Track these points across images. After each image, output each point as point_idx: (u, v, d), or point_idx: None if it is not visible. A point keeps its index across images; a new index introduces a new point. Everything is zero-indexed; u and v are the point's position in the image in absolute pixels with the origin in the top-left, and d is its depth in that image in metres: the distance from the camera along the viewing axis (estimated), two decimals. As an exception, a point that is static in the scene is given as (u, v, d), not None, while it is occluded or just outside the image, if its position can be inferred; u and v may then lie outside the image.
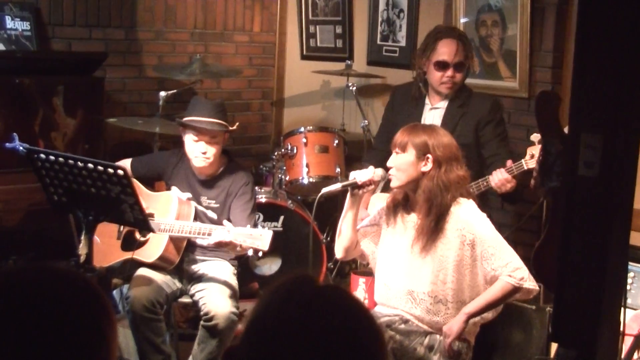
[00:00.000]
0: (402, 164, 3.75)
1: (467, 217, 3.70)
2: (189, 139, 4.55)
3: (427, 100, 4.80)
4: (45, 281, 1.64)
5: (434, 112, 4.77)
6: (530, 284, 3.70)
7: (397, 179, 3.79)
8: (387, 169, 4.69)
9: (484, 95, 4.90)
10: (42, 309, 1.58)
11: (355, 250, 4.02)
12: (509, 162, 4.30)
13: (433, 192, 3.69)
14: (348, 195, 3.91)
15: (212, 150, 4.52)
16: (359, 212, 3.99)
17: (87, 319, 1.62)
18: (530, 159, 4.23)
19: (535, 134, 4.29)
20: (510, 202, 4.64)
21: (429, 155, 3.71)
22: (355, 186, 3.86)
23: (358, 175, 3.86)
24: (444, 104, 4.74)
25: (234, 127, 4.64)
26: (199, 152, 4.51)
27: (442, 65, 4.65)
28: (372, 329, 1.65)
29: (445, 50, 4.64)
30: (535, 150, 4.24)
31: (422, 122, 4.73)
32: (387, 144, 4.93)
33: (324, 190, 3.99)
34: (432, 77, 4.71)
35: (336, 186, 3.98)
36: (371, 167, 3.93)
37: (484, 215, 3.76)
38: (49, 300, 1.60)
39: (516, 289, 3.67)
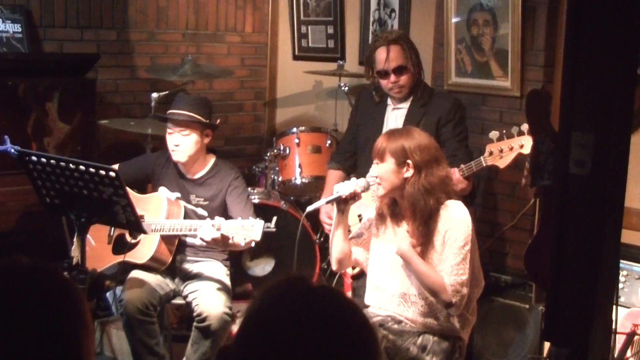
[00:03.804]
0: (384, 173, 3.72)
1: (453, 219, 3.67)
2: (166, 132, 4.60)
3: (389, 101, 4.85)
4: (10, 277, 1.64)
5: (396, 112, 4.82)
6: (453, 311, 3.67)
7: (382, 188, 3.76)
8: (350, 169, 4.71)
9: (445, 95, 4.97)
10: (6, 306, 1.58)
11: (350, 260, 4.01)
12: (462, 166, 4.32)
13: (415, 197, 3.66)
14: (335, 210, 3.90)
15: (185, 143, 4.55)
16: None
17: (56, 318, 1.61)
18: (489, 156, 4.25)
19: (493, 132, 4.31)
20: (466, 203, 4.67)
21: (409, 161, 3.69)
22: (340, 200, 3.85)
23: (341, 189, 3.82)
24: (406, 105, 4.79)
25: (207, 121, 4.63)
26: (173, 145, 4.55)
27: (382, 74, 4.73)
28: (366, 328, 1.65)
29: (380, 59, 4.72)
30: (493, 148, 4.26)
31: (385, 122, 4.82)
32: (352, 144, 5.01)
33: (309, 208, 3.95)
34: (381, 84, 4.80)
35: (320, 203, 3.97)
36: (353, 179, 3.91)
37: (469, 219, 3.72)
38: (12, 294, 1.60)
39: (444, 296, 3.61)
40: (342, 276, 4.92)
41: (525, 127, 4.21)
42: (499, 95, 5.47)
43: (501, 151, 4.23)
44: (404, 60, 4.70)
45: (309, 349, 1.55)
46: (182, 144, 4.55)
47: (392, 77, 4.69)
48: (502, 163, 4.26)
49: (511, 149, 4.22)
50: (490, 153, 4.26)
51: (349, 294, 4.71)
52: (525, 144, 4.19)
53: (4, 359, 1.54)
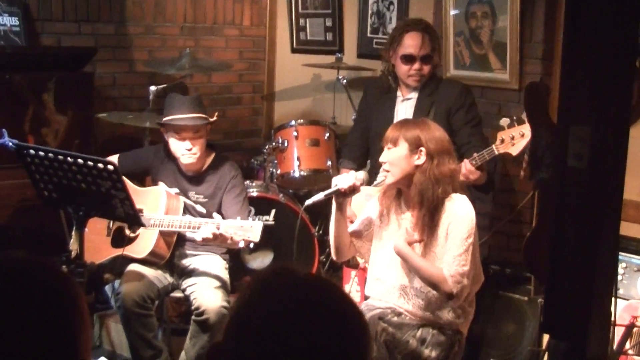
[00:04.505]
0: (395, 158, 3.72)
1: (456, 213, 3.66)
2: (173, 139, 4.54)
3: (398, 93, 4.84)
4: (6, 272, 1.63)
5: (405, 104, 4.80)
6: (453, 302, 3.67)
7: (392, 175, 3.74)
8: (362, 164, 4.69)
9: (453, 82, 4.94)
10: (2, 301, 1.57)
11: (350, 250, 4.01)
12: (474, 154, 4.29)
13: (424, 185, 3.65)
14: (334, 202, 3.89)
15: (197, 145, 4.52)
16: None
17: (53, 312, 1.60)
18: (501, 144, 4.24)
19: (504, 119, 4.29)
20: (482, 192, 4.65)
21: (422, 148, 3.68)
22: (339, 193, 3.84)
23: (340, 182, 3.80)
24: (414, 95, 4.78)
25: (214, 118, 4.63)
26: (185, 150, 4.50)
27: (408, 59, 4.69)
28: (355, 316, 1.64)
29: (411, 43, 4.67)
30: (505, 135, 4.24)
31: (395, 114, 4.80)
32: (361, 138, 4.98)
33: (307, 202, 3.91)
34: (399, 70, 4.75)
35: (319, 196, 3.89)
36: (352, 172, 3.91)
37: (473, 214, 3.71)
38: (8, 288, 1.59)
39: (445, 287, 3.60)
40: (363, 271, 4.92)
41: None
42: (497, 88, 5.47)
43: (512, 138, 4.22)
44: (432, 50, 4.69)
45: (297, 338, 1.54)
46: (194, 146, 4.52)
47: (417, 64, 4.66)
48: (514, 150, 4.25)
49: (522, 135, 4.20)
50: (502, 140, 4.24)
51: (355, 286, 4.72)
52: None
53: (1, 352, 1.54)
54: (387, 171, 3.76)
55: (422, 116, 4.50)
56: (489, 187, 4.67)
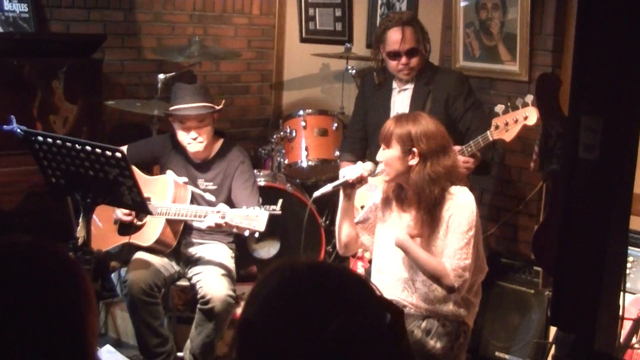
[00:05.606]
0: (389, 159, 3.70)
1: (456, 206, 3.64)
2: (179, 128, 4.56)
3: (394, 84, 4.85)
4: (12, 256, 1.62)
5: (402, 94, 4.84)
6: (455, 295, 3.66)
7: (387, 174, 3.75)
8: (362, 156, 4.69)
9: (448, 71, 5.01)
10: (10, 286, 1.56)
11: (356, 244, 4.01)
12: (470, 142, 4.33)
13: (420, 185, 3.63)
14: (341, 194, 3.89)
15: (204, 134, 4.54)
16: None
17: (60, 296, 1.59)
18: (495, 130, 4.25)
19: (499, 105, 4.30)
20: (479, 175, 4.69)
21: (414, 149, 3.66)
22: (347, 185, 3.84)
23: (348, 174, 3.82)
24: (411, 85, 4.82)
25: (220, 106, 4.64)
26: (191, 139, 4.52)
27: (394, 55, 4.73)
28: (371, 297, 1.64)
29: (393, 40, 4.71)
30: (499, 122, 4.26)
31: (392, 105, 4.84)
32: (360, 131, 5.01)
33: (315, 194, 3.93)
34: (389, 65, 4.81)
35: (327, 188, 3.91)
36: (359, 163, 3.92)
37: (474, 205, 3.69)
38: (16, 276, 1.58)
39: (446, 280, 3.59)
40: (360, 260, 4.92)
41: (529, 98, 4.21)
42: (506, 80, 5.45)
43: (506, 124, 4.23)
44: (416, 42, 4.71)
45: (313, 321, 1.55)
46: (200, 135, 4.53)
47: (404, 59, 4.69)
48: (508, 136, 4.27)
49: (516, 121, 4.22)
50: (497, 127, 4.26)
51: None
52: (529, 115, 4.19)
53: (8, 337, 1.53)
54: (385, 170, 3.77)
55: (418, 106, 4.56)
56: (485, 170, 4.70)
